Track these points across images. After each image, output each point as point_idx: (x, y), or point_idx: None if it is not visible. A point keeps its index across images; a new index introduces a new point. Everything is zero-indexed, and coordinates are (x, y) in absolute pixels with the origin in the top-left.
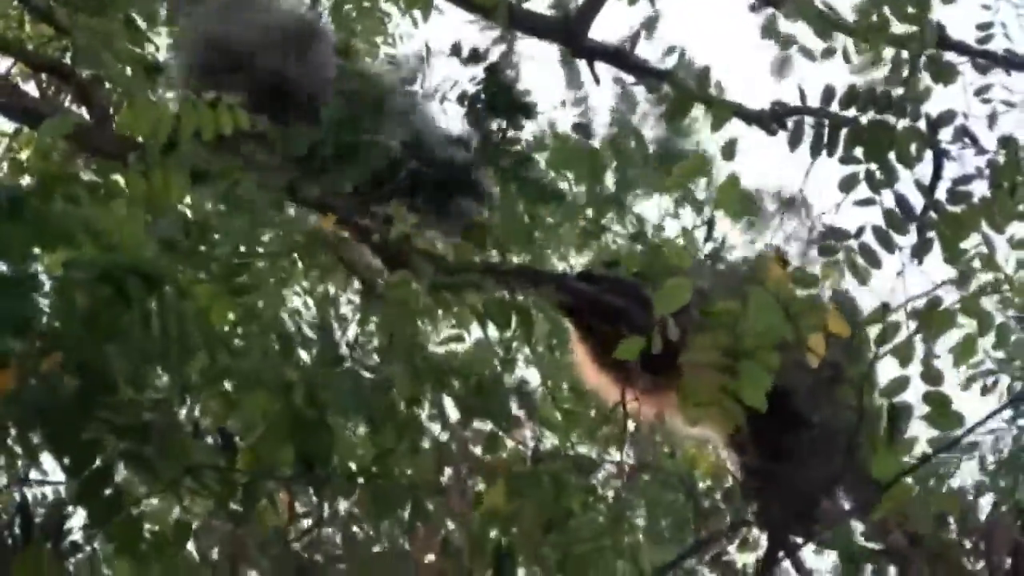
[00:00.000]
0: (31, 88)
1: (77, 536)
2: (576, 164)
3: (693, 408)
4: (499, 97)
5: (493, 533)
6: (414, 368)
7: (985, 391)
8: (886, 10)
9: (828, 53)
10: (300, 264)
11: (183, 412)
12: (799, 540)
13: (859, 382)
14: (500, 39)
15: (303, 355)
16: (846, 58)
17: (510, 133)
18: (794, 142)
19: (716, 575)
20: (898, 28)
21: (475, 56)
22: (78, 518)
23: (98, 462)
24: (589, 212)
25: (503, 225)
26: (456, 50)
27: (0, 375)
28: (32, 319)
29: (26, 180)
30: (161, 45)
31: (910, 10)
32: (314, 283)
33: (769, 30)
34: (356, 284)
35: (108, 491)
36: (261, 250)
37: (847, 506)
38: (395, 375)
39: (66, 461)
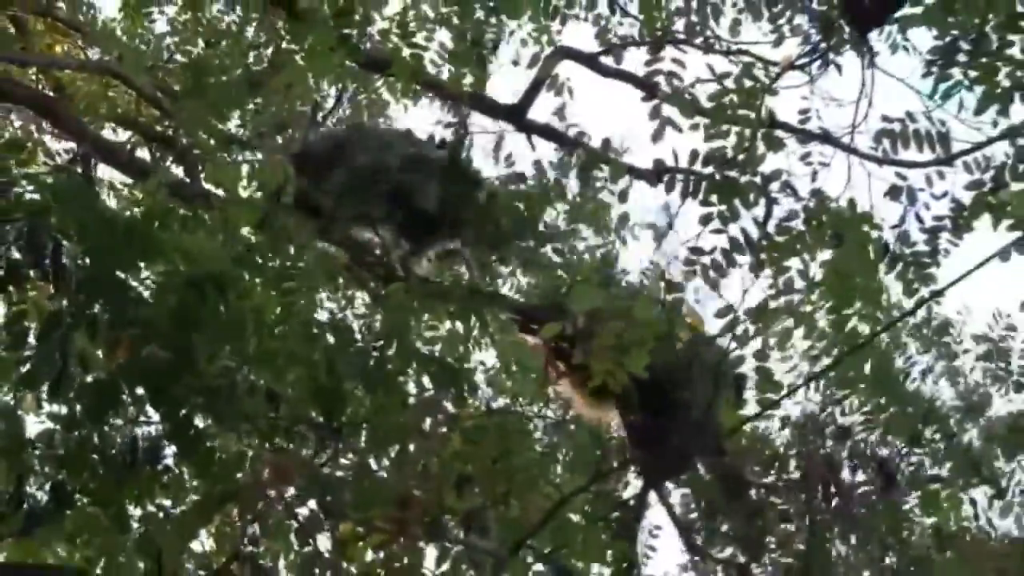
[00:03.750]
0: (144, 153)
1: (169, 462)
2: (515, 204)
3: (597, 375)
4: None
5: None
6: (404, 350)
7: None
8: (729, 99)
9: (693, 127)
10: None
11: (243, 378)
12: (665, 479)
13: (715, 360)
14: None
15: (330, 339)
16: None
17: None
18: (669, 190)
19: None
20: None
21: (442, 145)
22: (170, 450)
23: (184, 412)
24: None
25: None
26: (431, 140)
27: (118, 350)
28: (130, 314)
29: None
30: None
31: (746, 99)
32: (337, 291)
33: (654, 113)
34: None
35: (191, 432)
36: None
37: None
38: (391, 355)
39: (162, 410)
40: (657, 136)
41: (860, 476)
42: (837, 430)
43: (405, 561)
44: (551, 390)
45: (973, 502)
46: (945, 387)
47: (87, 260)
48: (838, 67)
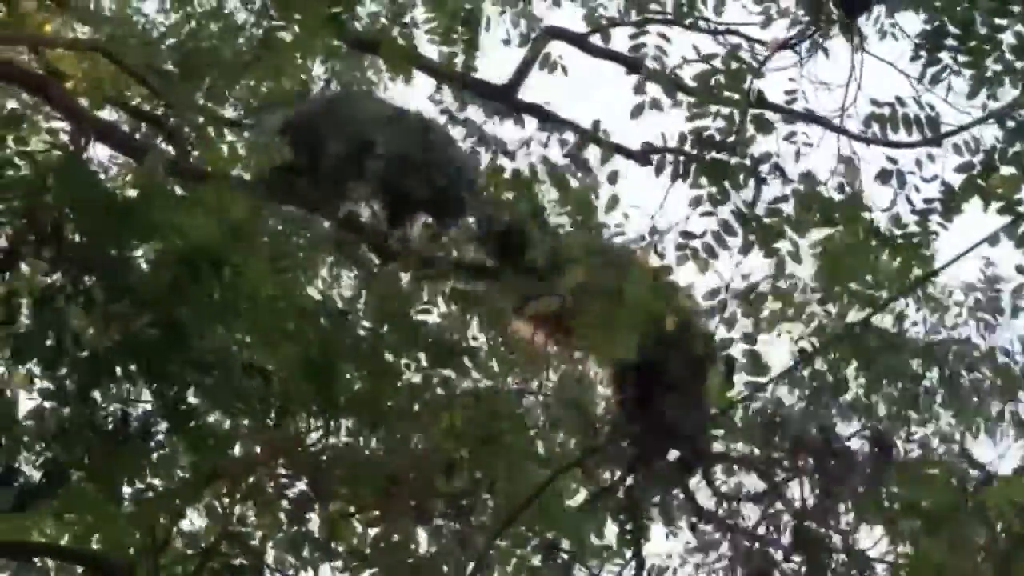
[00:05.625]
0: (136, 132)
1: (161, 438)
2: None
3: (589, 352)
4: None
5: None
6: (398, 331)
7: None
8: (716, 79)
9: (676, 105)
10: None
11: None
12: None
13: (705, 342)
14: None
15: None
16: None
17: None
18: (659, 172)
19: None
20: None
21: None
22: (162, 426)
23: (176, 388)
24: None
25: None
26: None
27: (111, 326)
28: (124, 290)
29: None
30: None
31: (734, 80)
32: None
33: (638, 88)
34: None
35: (183, 408)
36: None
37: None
38: (383, 336)
39: (154, 387)
40: (637, 112)
41: (856, 449)
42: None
43: (394, 540)
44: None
45: (963, 486)
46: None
47: (83, 237)
48: (824, 51)
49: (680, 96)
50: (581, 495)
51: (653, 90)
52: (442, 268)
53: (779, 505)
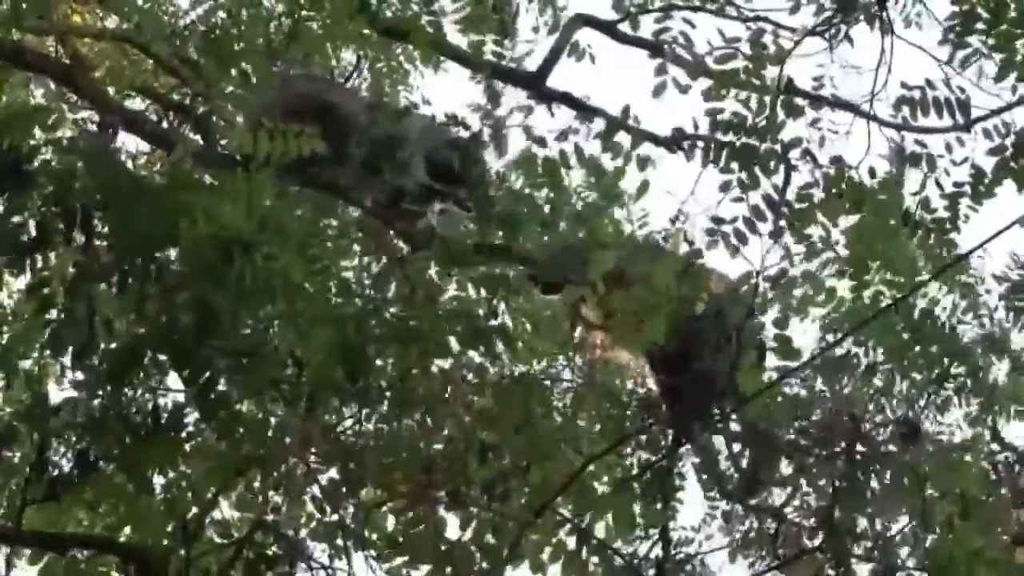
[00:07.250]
0: (162, 121)
1: (192, 428)
2: (535, 168)
3: (618, 338)
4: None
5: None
6: (430, 316)
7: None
8: (745, 65)
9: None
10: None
11: (267, 341)
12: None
13: (737, 325)
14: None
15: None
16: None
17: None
18: (689, 157)
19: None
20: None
21: (462, 124)
22: (193, 416)
23: (207, 375)
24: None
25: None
26: (453, 118)
27: (146, 308)
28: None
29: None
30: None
31: (763, 65)
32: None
33: (660, 70)
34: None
35: (213, 396)
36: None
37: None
38: (416, 321)
39: (185, 374)
40: (659, 91)
41: (883, 430)
42: (863, 372)
43: (426, 527)
44: (577, 345)
45: (995, 467)
46: (967, 328)
47: (112, 223)
48: (869, 21)
49: (707, 81)
50: (607, 479)
51: (676, 74)
52: (467, 252)
53: (805, 487)
